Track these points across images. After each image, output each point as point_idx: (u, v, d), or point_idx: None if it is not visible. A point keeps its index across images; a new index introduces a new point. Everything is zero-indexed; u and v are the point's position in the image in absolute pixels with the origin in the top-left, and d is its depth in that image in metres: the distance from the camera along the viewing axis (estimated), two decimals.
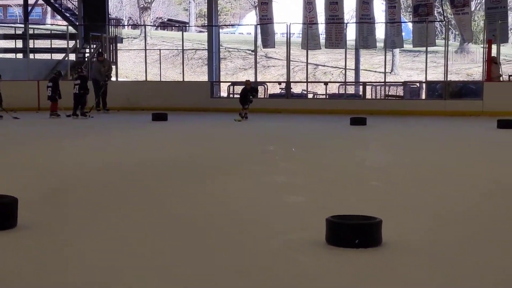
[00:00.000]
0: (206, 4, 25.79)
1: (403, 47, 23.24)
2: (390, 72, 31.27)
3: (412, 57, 33.68)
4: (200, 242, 4.49)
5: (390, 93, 20.92)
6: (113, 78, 21.00)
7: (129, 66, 34.67)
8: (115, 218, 5.24)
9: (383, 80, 21.43)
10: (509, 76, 19.75)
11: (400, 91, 20.75)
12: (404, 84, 21.21)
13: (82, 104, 16.36)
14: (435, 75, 26.11)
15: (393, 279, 3.71)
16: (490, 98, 17.47)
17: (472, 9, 25.54)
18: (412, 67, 32.80)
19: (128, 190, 6.55)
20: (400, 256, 4.13)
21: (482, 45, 19.61)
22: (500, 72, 18.53)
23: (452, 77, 26.31)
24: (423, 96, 19.79)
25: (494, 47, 18.18)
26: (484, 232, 4.82)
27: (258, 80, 21.33)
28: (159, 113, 15.93)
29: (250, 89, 16.34)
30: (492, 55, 18.08)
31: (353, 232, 4.24)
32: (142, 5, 44.70)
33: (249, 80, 17.09)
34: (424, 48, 19.51)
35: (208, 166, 8.39)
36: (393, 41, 20.28)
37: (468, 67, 31.95)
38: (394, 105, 18.95)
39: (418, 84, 21.59)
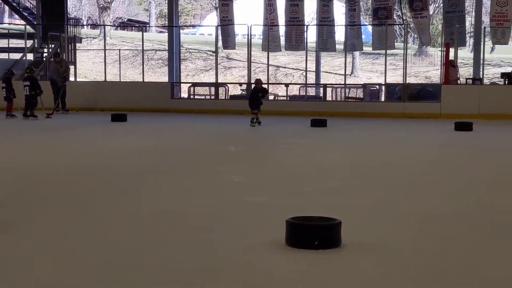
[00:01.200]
0: (166, 4, 25.61)
1: (362, 50, 23.41)
2: (350, 75, 31.51)
3: (372, 59, 33.99)
4: (160, 241, 4.45)
5: (350, 95, 21.06)
6: (72, 78, 20.75)
7: (88, 66, 34.28)
8: (70, 218, 5.16)
9: (343, 82, 21.55)
10: (466, 79, 20.05)
11: (360, 93, 20.90)
12: (364, 86, 21.38)
13: (32, 105, 16.17)
14: (395, 77, 26.39)
15: (352, 280, 3.72)
16: (447, 100, 17.72)
17: (431, 12, 25.82)
18: (372, 70, 33.10)
19: (86, 189, 6.47)
20: (359, 257, 4.14)
21: (440, 48, 19.86)
22: (458, 75, 18.81)
23: (411, 80, 26.61)
24: (383, 98, 19.98)
25: (451, 50, 18.44)
26: (443, 231, 4.87)
27: (219, 81, 21.28)
28: (119, 114, 15.78)
29: (261, 89, 15.06)
30: (450, 58, 18.33)
31: (313, 234, 4.24)
32: (101, 5, 44.24)
33: (260, 79, 15.67)
34: (384, 50, 19.70)
35: (166, 166, 8.33)
36: (353, 44, 20.41)
37: (426, 70, 32.37)
38: (354, 107, 19.10)
39: (377, 86, 21.79)
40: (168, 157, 9.45)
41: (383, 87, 20.39)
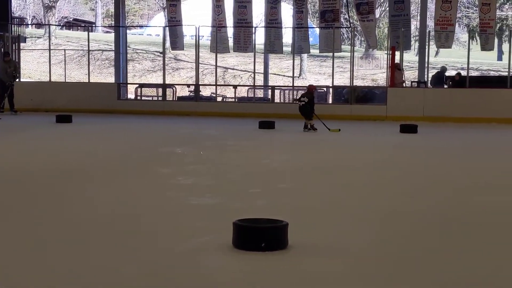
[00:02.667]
0: (113, 4, 25.28)
1: (310, 52, 23.53)
2: (298, 77, 31.66)
3: (320, 62, 34.23)
4: (102, 245, 4.36)
5: (298, 97, 21.14)
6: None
7: (32, 67, 33.59)
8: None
9: (291, 85, 21.64)
10: (412, 82, 20.35)
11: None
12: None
13: None
14: (342, 80, 26.63)
15: (298, 281, 3.70)
16: (393, 103, 17.96)
17: (377, 16, 26.19)
18: (320, 72, 33.33)
19: (20, 192, 6.31)
20: (305, 258, 4.13)
21: (386, 52, 20.11)
22: (403, 78, 19.10)
23: (358, 82, 26.91)
24: (330, 101, 20.13)
25: (397, 53, 18.70)
26: (391, 232, 4.89)
27: (167, 82, 21.12)
28: (64, 115, 15.49)
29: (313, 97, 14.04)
30: (396, 61, 18.59)
31: (260, 236, 4.21)
32: (46, 4, 43.42)
33: (313, 85, 14.89)
34: (331, 53, 19.85)
35: (110, 168, 8.20)
36: (300, 46, 20.49)
37: (373, 72, 32.73)
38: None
39: (325, 88, 21.95)
40: (112, 159, 9.30)
41: (331, 90, 20.54)
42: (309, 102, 13.87)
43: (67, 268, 3.85)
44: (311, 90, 14.21)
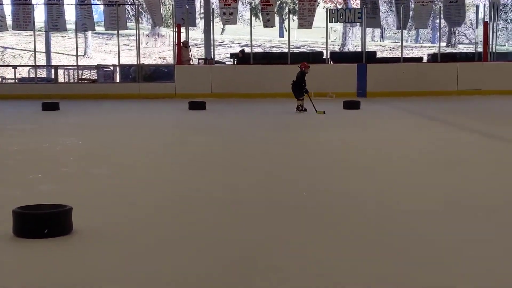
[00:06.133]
0: None
1: (94, 30, 22.84)
2: (83, 55, 30.74)
3: (106, 40, 33.49)
4: None
5: (83, 77, 20.53)
6: None
7: None
8: None
9: (75, 64, 20.89)
10: (199, 59, 20.58)
11: (94, 75, 20.47)
12: (98, 67, 20.97)
13: None
14: (130, 58, 26.20)
15: (83, 267, 3.53)
16: (181, 81, 18.04)
17: None
18: (106, 50, 32.61)
19: None
20: (90, 244, 3.96)
21: (172, 29, 20.09)
22: (190, 56, 19.22)
23: (145, 60, 26.69)
24: (117, 80, 19.76)
25: (183, 31, 18.77)
26: (178, 218, 4.85)
27: None
28: None
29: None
30: (182, 39, 18.65)
31: (41, 222, 3.97)
32: None
33: (305, 63, 13.60)
34: (117, 31, 19.43)
35: None
36: (84, 24, 19.83)
37: (160, 50, 32.68)
38: (88, 88, 18.67)
39: (111, 67, 21.49)
40: None
41: (117, 68, 20.16)
42: (297, 81, 13.19)
43: None
44: (301, 69, 13.32)
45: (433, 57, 20.53)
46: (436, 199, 5.11)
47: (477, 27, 24.16)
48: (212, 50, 20.39)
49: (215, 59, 21.06)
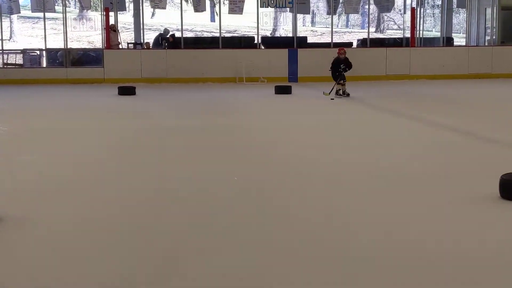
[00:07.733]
0: None
1: (20, 13, 22.16)
2: (9, 40, 29.84)
3: (32, 23, 32.60)
4: None
5: (9, 62, 19.93)
6: None
7: None
8: None
9: (0, 48, 20.25)
10: (128, 43, 20.26)
11: (19, 59, 19.89)
12: (24, 52, 20.40)
13: None
14: (57, 42, 25.55)
15: None
16: (111, 65, 17.73)
17: None
18: (32, 34, 31.75)
19: None
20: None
21: (100, 13, 19.69)
22: (119, 40, 18.90)
23: (73, 45, 26.04)
24: (44, 64, 19.27)
25: (112, 14, 18.42)
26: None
27: None
28: None
29: (344, 59, 13.07)
30: (111, 23, 18.31)
31: None
32: None
33: (343, 48, 13.60)
34: (43, 14, 18.93)
35: None
36: (10, 7, 19.23)
37: (89, 34, 31.96)
38: (14, 73, 18.16)
39: (38, 52, 20.92)
40: None
41: (44, 53, 19.65)
42: (331, 67, 13.25)
43: None
44: (338, 53, 13.34)
45: (363, 43, 20.79)
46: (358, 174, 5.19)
47: (405, 12, 24.61)
48: (142, 34, 20.10)
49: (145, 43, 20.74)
